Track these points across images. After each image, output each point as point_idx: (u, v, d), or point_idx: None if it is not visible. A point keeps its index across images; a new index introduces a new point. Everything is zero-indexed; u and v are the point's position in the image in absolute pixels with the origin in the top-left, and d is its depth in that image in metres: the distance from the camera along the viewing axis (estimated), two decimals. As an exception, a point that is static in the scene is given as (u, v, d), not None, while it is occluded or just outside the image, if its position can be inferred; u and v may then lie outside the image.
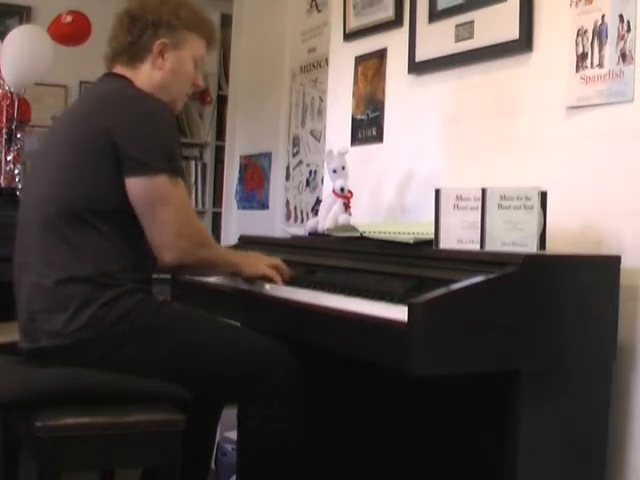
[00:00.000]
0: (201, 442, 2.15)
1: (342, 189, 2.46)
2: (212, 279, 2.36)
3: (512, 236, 1.81)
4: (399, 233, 2.09)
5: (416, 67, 2.60)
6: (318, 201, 3.39)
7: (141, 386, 1.88)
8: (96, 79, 2.12)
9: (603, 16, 1.98)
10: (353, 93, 2.93)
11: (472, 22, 2.37)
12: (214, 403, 2.17)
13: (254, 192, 4.15)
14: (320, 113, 3.52)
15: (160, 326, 1.92)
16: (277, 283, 2.09)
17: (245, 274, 2.11)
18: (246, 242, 2.61)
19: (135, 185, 1.88)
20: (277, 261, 2.16)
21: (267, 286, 2.11)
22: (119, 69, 2.09)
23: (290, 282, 2.11)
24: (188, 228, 1.93)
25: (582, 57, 2.03)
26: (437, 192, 1.94)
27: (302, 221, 3.60)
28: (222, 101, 5.12)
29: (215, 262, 2.06)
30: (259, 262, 2.13)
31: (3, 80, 3.99)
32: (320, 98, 3.54)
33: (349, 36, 2.95)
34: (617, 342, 1.84)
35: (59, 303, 1.88)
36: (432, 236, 1.95)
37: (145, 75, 2.07)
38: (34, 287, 1.92)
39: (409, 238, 2.00)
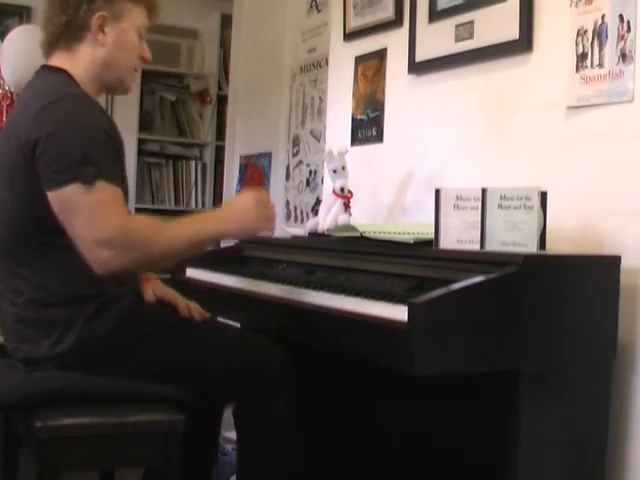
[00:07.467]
0: (202, 443, 2.14)
1: (342, 189, 2.46)
2: (212, 279, 2.36)
3: (512, 236, 1.81)
4: (399, 233, 2.09)
5: (416, 67, 2.60)
6: (318, 201, 3.39)
7: (141, 389, 1.87)
8: (33, 73, 1.95)
9: (603, 16, 1.98)
10: (353, 93, 2.93)
11: (472, 22, 2.37)
12: (214, 404, 2.17)
13: (254, 192, 4.14)
14: (320, 113, 3.52)
15: (151, 336, 1.88)
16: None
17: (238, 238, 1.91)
18: (246, 242, 2.60)
19: (51, 201, 1.76)
20: (263, 196, 1.97)
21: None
22: (56, 58, 1.94)
23: (290, 282, 2.08)
24: (106, 234, 1.72)
25: (582, 57, 2.03)
26: (437, 192, 1.94)
27: (302, 221, 3.59)
28: (222, 101, 5.12)
29: (168, 251, 1.84)
30: (248, 218, 1.92)
31: (3, 80, 4.00)
32: (320, 98, 3.54)
33: (349, 36, 2.95)
34: (617, 342, 1.84)
35: (40, 330, 1.82)
36: (432, 236, 1.94)
37: (86, 56, 1.92)
38: (10, 316, 1.86)
39: (409, 238, 2.00)
